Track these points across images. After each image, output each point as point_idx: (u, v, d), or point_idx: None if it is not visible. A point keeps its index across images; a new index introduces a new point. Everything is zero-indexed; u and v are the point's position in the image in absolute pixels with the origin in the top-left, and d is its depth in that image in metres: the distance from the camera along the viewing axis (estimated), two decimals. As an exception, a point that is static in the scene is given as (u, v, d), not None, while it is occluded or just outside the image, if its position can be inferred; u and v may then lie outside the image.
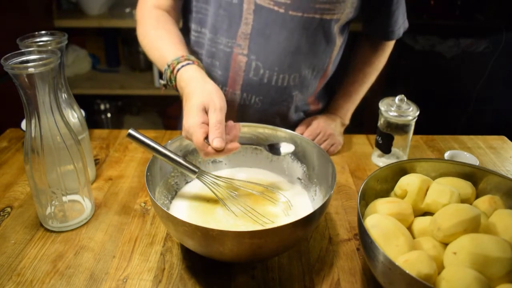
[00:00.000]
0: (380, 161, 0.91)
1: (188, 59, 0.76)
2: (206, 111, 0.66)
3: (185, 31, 0.97)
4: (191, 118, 0.65)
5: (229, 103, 0.96)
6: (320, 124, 0.97)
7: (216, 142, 0.62)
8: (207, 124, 0.65)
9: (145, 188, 0.81)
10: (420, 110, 0.86)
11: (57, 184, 0.68)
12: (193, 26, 0.95)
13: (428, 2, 2.04)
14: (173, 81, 0.76)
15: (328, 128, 0.97)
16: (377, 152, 0.91)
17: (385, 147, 0.88)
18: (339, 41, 0.94)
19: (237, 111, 0.97)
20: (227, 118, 0.98)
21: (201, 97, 0.67)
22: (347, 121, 1.05)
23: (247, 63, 0.90)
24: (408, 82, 2.07)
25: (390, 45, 1.03)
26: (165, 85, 0.80)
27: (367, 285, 0.62)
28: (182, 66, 0.75)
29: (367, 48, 1.03)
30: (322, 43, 0.90)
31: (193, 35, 0.96)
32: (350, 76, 1.05)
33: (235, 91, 0.94)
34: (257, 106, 0.95)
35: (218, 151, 0.63)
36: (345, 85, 1.05)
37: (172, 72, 0.76)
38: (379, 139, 0.89)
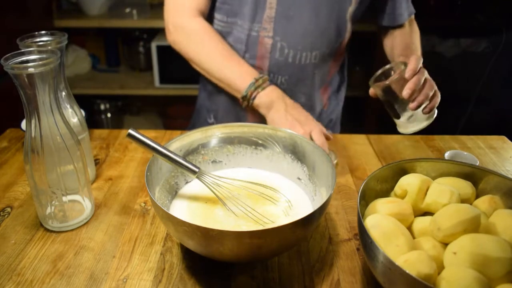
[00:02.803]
0: (407, 128, 0.87)
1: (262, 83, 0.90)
2: None
3: (208, 20, 1.02)
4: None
5: None
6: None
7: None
8: None
9: (145, 188, 0.81)
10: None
11: (57, 184, 0.68)
12: (218, 16, 1.00)
13: (428, 2, 2.04)
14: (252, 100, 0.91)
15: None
16: (398, 121, 0.88)
17: (393, 113, 0.87)
18: (348, 24, 1.00)
19: None
20: None
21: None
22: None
23: (272, 45, 0.97)
24: (408, 82, 2.07)
25: (411, 24, 1.16)
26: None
27: (367, 285, 0.62)
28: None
29: (389, 35, 1.12)
30: (335, 23, 0.99)
31: (217, 24, 1.01)
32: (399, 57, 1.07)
33: (262, 73, 0.99)
34: (282, 86, 1.01)
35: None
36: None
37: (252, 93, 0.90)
38: (385, 106, 0.88)
